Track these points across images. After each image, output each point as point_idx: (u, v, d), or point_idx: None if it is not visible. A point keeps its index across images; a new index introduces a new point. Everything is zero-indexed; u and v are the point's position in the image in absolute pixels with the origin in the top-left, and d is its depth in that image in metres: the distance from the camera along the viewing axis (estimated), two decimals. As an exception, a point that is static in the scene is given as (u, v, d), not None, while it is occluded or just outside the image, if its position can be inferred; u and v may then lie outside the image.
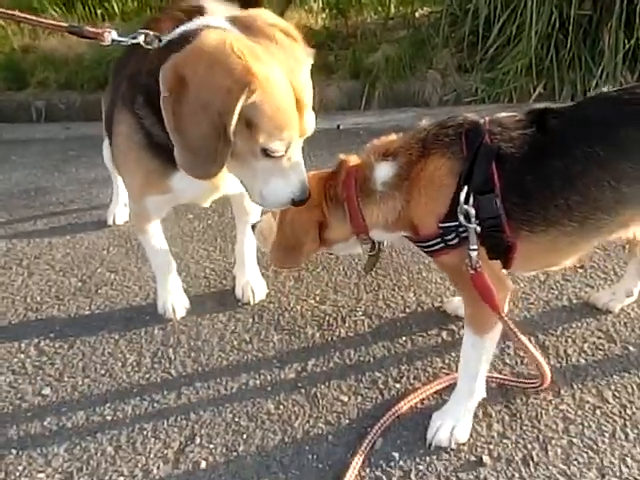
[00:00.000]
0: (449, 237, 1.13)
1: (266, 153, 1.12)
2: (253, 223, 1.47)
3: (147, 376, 1.43)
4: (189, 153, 1.10)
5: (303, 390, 1.37)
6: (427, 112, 3.52)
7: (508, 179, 1.10)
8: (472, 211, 1.08)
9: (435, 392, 1.33)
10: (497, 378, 1.36)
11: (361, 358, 1.46)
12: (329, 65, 4.08)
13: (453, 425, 1.22)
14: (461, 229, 1.11)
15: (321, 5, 5.51)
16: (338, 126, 3.20)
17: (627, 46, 3.38)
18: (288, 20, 4.47)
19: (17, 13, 1.85)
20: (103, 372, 1.45)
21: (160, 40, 1.22)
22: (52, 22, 1.73)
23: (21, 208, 2.38)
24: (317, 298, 1.70)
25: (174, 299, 1.65)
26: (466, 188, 1.09)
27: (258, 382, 1.40)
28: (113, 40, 1.30)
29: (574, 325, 1.53)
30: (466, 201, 1.09)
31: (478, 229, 1.10)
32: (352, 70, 3.97)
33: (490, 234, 1.11)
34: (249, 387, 1.39)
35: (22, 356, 1.52)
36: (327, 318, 1.61)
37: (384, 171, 1.18)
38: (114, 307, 1.71)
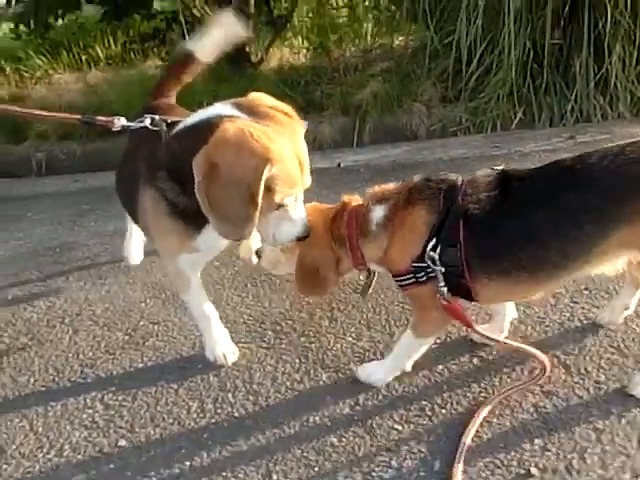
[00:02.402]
0: (419, 275, 1.41)
1: (279, 206, 1.42)
2: (256, 249, 1.72)
3: (213, 421, 1.55)
4: (226, 223, 1.36)
5: (360, 422, 1.50)
6: (418, 145, 3.75)
7: (471, 235, 1.34)
8: (436, 257, 1.36)
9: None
10: (507, 391, 1.52)
11: (405, 389, 1.60)
12: (318, 102, 4.28)
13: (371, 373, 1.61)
14: (429, 270, 1.38)
15: (302, 42, 5.74)
16: (339, 164, 3.38)
17: (598, 73, 3.66)
18: (273, 57, 4.70)
19: (26, 110, 1.92)
20: (171, 421, 1.56)
21: (167, 123, 1.53)
22: (66, 115, 1.91)
23: (50, 265, 2.48)
24: (353, 335, 1.84)
25: (223, 347, 1.77)
26: (434, 240, 1.36)
27: (317, 418, 1.53)
28: (122, 126, 1.63)
29: (588, 344, 1.70)
30: (434, 249, 1.36)
31: (443, 270, 1.37)
32: (342, 106, 4.17)
33: (452, 278, 1.38)
34: (310, 424, 1.51)
35: (90, 411, 1.62)
36: (366, 354, 1.75)
37: (377, 213, 1.45)
38: (165, 358, 1.82)
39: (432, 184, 1.41)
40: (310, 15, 6.03)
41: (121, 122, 1.62)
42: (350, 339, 1.82)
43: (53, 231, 2.83)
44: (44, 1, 4.73)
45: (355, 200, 1.56)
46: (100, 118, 1.67)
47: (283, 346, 1.83)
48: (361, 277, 1.84)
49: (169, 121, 1.55)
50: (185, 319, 2.01)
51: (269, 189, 1.33)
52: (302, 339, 1.85)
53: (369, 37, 5.53)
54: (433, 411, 1.51)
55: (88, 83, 5.22)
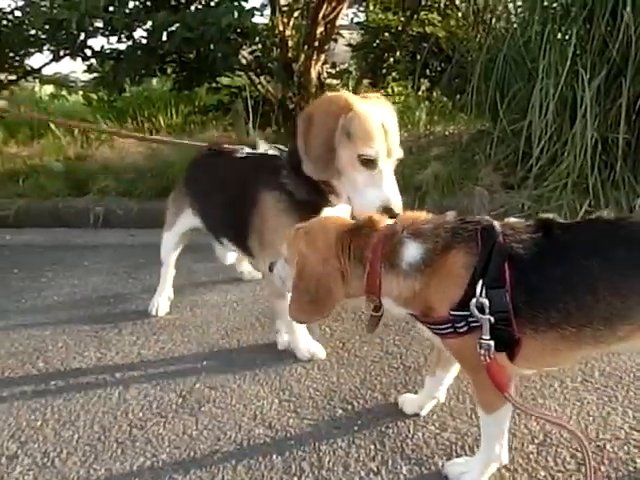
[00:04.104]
0: (459, 325, 1.24)
1: (362, 162, 1.58)
2: (270, 262, 1.57)
3: (278, 510, 1.33)
4: (312, 163, 1.63)
5: (450, 532, 1.26)
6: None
7: (517, 277, 1.21)
8: (486, 302, 1.19)
9: None
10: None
11: (503, 495, 1.36)
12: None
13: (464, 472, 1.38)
14: (471, 319, 1.22)
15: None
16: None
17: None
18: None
19: (157, 138, 2.38)
20: (229, 504, 1.35)
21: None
22: (195, 143, 2.26)
23: (103, 316, 2.36)
24: (436, 424, 1.61)
25: (311, 344, 1.98)
26: (481, 281, 1.20)
27: (401, 521, 1.29)
28: (247, 153, 1.98)
29: None
30: (481, 294, 1.20)
31: (492, 320, 1.19)
32: (401, 186, 4.13)
33: (499, 327, 1.21)
34: (392, 526, 1.27)
35: (137, 481, 1.42)
36: (453, 447, 1.52)
37: (412, 251, 1.29)
38: (223, 427, 1.62)
39: (468, 224, 1.28)
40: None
41: (245, 150, 1.98)
42: (432, 428, 1.60)
43: (108, 281, 2.74)
44: (123, 67, 5.00)
45: (383, 222, 1.37)
46: (227, 146, 2.04)
47: (356, 428, 1.61)
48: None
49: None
50: (244, 386, 1.83)
51: (349, 134, 1.57)
52: (377, 421, 1.63)
53: (421, 125, 5.61)
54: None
55: (150, 147, 5.39)
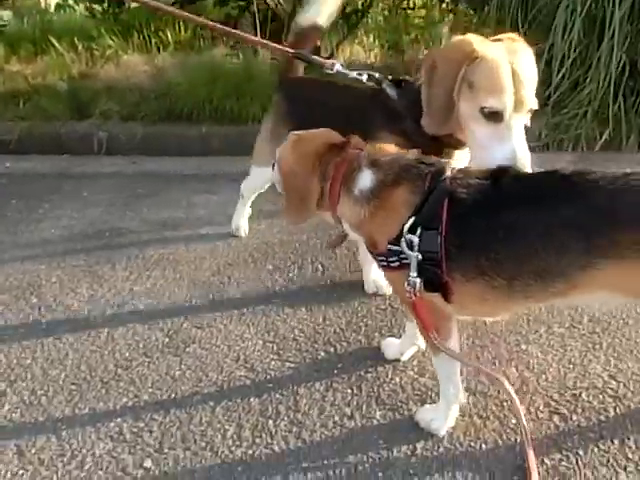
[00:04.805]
0: (392, 259, 1.26)
1: (485, 115, 1.39)
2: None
3: (250, 452, 1.38)
4: (430, 115, 1.47)
5: (416, 478, 1.30)
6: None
7: (453, 221, 1.19)
8: (415, 240, 1.20)
9: None
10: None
11: (472, 443, 1.38)
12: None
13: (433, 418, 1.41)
14: (402, 255, 1.23)
15: (374, 41, 5.54)
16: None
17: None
18: (343, 54, 4.55)
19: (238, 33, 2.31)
20: (203, 444, 1.40)
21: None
22: (277, 46, 2.07)
23: (99, 250, 2.38)
24: (415, 369, 1.63)
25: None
26: (412, 219, 1.21)
27: (367, 466, 1.33)
28: (338, 71, 1.87)
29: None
30: (412, 230, 1.20)
31: (420, 257, 1.20)
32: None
33: (427, 267, 1.21)
34: (358, 470, 1.32)
35: (119, 420, 1.48)
36: (429, 393, 1.54)
37: (364, 179, 1.31)
38: (205, 369, 1.66)
39: (421, 165, 1.28)
40: (385, 13, 5.84)
41: (337, 67, 1.86)
42: (411, 373, 1.62)
43: (106, 213, 2.73)
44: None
45: (359, 145, 1.40)
46: (317, 58, 1.94)
47: (335, 372, 1.64)
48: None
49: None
50: (231, 326, 1.86)
51: (471, 85, 1.39)
52: (357, 365, 1.66)
53: (444, 40, 5.28)
54: (504, 474, 1.29)
55: (156, 66, 5.20)
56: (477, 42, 1.41)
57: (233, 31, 2.39)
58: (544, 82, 3.69)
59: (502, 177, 1.21)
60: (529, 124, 1.45)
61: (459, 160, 1.57)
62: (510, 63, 1.38)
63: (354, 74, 1.79)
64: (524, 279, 1.16)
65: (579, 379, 1.58)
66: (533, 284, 1.17)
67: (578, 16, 3.41)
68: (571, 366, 1.63)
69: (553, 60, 3.52)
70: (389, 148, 1.39)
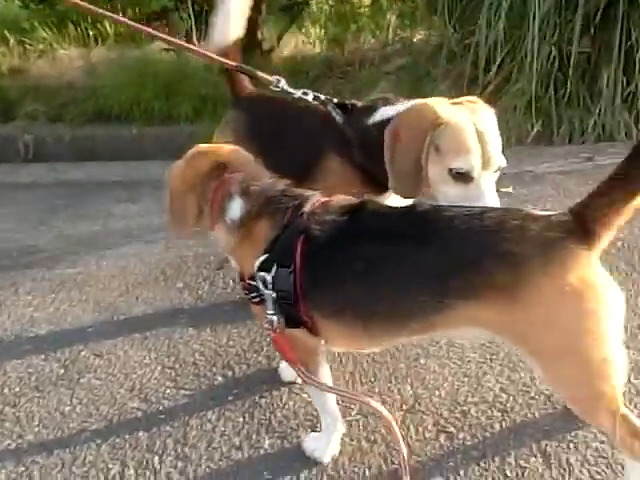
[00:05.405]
0: (253, 294, 1.24)
1: (454, 177, 1.40)
2: None
3: (130, 493, 1.36)
4: (399, 180, 1.47)
5: (296, 511, 1.30)
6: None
7: (309, 259, 1.17)
8: (269, 278, 1.18)
9: None
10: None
11: (355, 469, 1.39)
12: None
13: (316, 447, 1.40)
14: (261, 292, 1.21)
15: (320, 31, 5.45)
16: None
17: (626, 89, 3.35)
18: (287, 45, 4.47)
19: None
20: (83, 487, 1.37)
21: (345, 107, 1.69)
22: (224, 60, 1.92)
23: (3, 272, 2.29)
24: (310, 392, 1.62)
25: None
26: (265, 256, 1.19)
27: (248, 501, 1.32)
28: (283, 89, 1.81)
29: (577, 426, 1.46)
30: (265, 268, 1.18)
31: (274, 295, 1.19)
32: (352, 103, 3.93)
33: (285, 306, 1.20)
34: (238, 507, 1.31)
35: (-1, 465, 1.44)
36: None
37: (234, 208, 1.29)
38: (97, 402, 1.63)
39: (286, 197, 1.26)
40: (330, 2, 5.74)
41: (282, 84, 1.81)
42: (305, 396, 1.61)
43: (16, 231, 2.64)
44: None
45: (239, 168, 1.34)
46: (261, 74, 1.86)
47: (230, 398, 1.62)
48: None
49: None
50: (131, 352, 1.82)
51: (438, 149, 1.40)
52: (253, 389, 1.64)
53: (390, 30, 5.24)
54: (385, 503, 1.30)
55: (89, 61, 5.03)
56: (439, 107, 1.42)
57: (162, 35, 2.13)
58: (476, 77, 3.72)
59: (360, 212, 1.20)
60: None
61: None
62: (474, 124, 1.40)
63: (299, 93, 1.77)
64: (379, 318, 1.16)
65: (471, 393, 1.60)
66: (389, 323, 1.16)
67: (503, 10, 3.41)
68: (466, 379, 1.65)
69: (480, 53, 3.52)
70: (263, 174, 1.35)
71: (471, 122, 1.40)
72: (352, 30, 5.26)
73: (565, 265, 1.02)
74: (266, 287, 1.19)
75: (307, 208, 1.21)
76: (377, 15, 5.38)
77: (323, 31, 5.38)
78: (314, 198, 1.25)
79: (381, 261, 1.13)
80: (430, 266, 1.10)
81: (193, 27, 4.88)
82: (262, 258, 1.19)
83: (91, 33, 5.73)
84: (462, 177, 1.40)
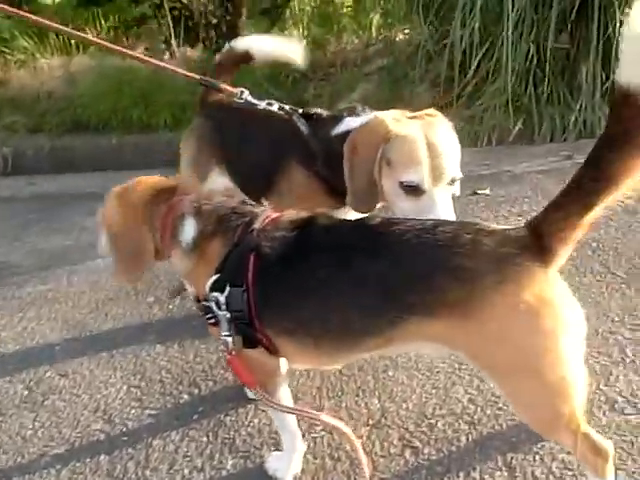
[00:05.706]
0: (208, 316, 1.20)
1: (405, 190, 1.39)
2: None
3: (87, 520, 1.33)
4: (355, 196, 1.48)
5: (255, 536, 1.28)
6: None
7: (259, 277, 1.15)
8: (222, 299, 1.15)
9: None
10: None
11: (319, 488, 1.37)
12: (304, 103, 4.00)
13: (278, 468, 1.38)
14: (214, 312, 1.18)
15: (303, 32, 5.42)
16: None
17: (605, 83, 3.33)
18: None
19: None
20: (40, 516, 1.35)
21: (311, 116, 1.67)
22: (187, 73, 1.92)
23: (-27, 291, 2.27)
24: (276, 408, 1.60)
25: None
26: (215, 276, 1.16)
27: (207, 526, 1.30)
28: (247, 100, 1.76)
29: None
30: (218, 288, 1.16)
31: (228, 316, 1.16)
32: (328, 108, 3.89)
33: (240, 326, 1.17)
34: (197, 533, 1.29)
35: (-44, 495, 1.42)
36: (285, 435, 1.52)
37: (187, 230, 1.25)
38: (60, 425, 1.60)
39: (236, 215, 1.24)
40: (312, 3, 5.71)
41: (245, 95, 1.77)
42: (271, 412, 1.59)
43: (-10, 247, 2.62)
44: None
45: (187, 190, 1.33)
46: (225, 86, 1.82)
47: (195, 417, 1.60)
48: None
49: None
50: (97, 372, 1.79)
51: (389, 162, 1.41)
52: (218, 407, 1.62)
53: (373, 29, 5.22)
54: (345, 524, 1.28)
55: (69, 70, 5.00)
56: (391, 121, 1.42)
57: (130, 53, 2.13)
58: (455, 76, 3.69)
59: (310, 227, 1.17)
60: (458, 192, 1.47)
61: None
62: (425, 137, 1.39)
63: (263, 104, 1.75)
64: (331, 335, 1.13)
65: (439, 405, 1.57)
66: (341, 340, 1.14)
67: (478, 9, 3.38)
68: (434, 391, 1.62)
69: (456, 53, 3.49)
70: (214, 194, 1.33)
71: (422, 135, 1.39)
72: (334, 31, 5.24)
73: (519, 282, 0.99)
74: (219, 308, 1.16)
75: (257, 225, 1.19)
76: (360, 15, 5.35)
77: (305, 32, 5.36)
78: (264, 214, 1.23)
79: (331, 276, 1.10)
80: (381, 280, 1.07)
81: (172, 33, 4.88)
82: (214, 278, 1.17)
83: (73, 42, 5.70)
84: (413, 190, 1.39)
